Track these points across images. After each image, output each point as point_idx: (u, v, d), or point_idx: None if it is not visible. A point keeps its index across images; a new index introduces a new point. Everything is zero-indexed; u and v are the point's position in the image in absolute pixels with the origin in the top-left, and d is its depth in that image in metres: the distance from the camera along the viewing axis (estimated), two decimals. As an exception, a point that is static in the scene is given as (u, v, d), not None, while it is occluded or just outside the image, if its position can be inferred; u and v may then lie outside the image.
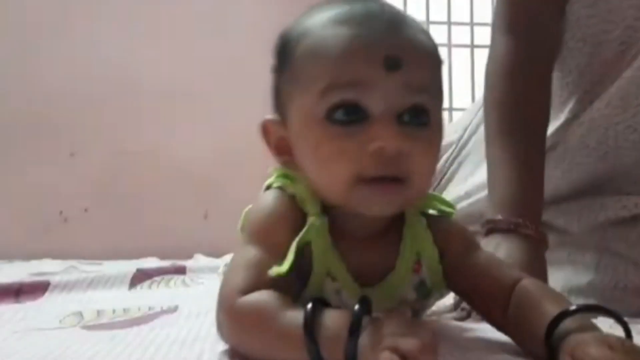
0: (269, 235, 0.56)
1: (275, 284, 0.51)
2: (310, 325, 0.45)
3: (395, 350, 0.41)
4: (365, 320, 0.45)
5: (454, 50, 1.89)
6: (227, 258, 0.83)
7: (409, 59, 0.53)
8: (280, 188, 0.60)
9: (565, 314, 0.48)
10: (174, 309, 0.75)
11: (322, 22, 0.55)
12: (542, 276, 0.71)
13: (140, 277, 0.98)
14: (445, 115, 0.62)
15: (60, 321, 0.69)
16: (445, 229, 0.62)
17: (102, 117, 1.74)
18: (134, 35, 1.77)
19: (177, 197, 1.72)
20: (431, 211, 0.63)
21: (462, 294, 0.63)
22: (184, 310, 0.74)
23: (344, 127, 0.52)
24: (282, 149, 0.60)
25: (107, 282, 0.95)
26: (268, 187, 0.62)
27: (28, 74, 1.72)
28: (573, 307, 0.49)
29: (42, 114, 1.72)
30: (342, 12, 0.55)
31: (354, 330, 0.44)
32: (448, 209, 0.64)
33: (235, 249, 0.58)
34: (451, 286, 0.61)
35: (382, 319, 0.45)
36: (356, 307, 0.45)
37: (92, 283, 0.93)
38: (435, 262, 0.60)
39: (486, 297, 0.58)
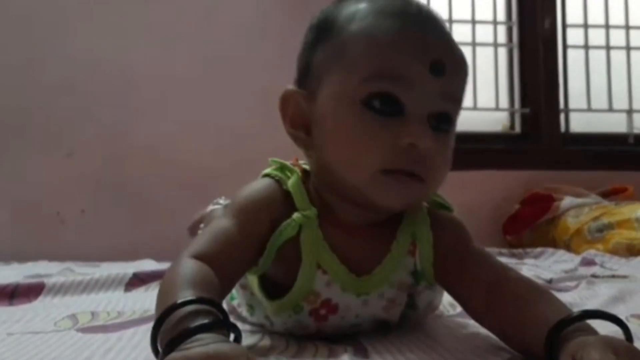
0: (246, 213, 0.58)
1: (231, 253, 0.55)
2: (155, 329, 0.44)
3: None
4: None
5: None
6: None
7: (452, 68, 0.55)
8: (275, 179, 0.61)
9: (568, 320, 0.47)
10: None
11: (374, 9, 0.56)
12: None
13: (135, 283, 0.97)
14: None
15: (55, 324, 0.69)
16: (442, 218, 0.63)
17: (100, 118, 1.74)
18: (131, 33, 1.77)
19: (176, 199, 1.72)
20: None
21: (446, 285, 0.62)
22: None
23: (379, 117, 0.54)
24: (297, 124, 0.59)
25: (103, 285, 0.94)
26: (265, 176, 0.63)
27: (25, 73, 1.72)
28: (576, 314, 0.48)
29: (39, 114, 1.71)
30: (393, 4, 0.56)
31: (154, 330, 0.44)
32: (448, 206, 0.65)
33: (213, 220, 0.61)
34: (438, 276, 0.61)
35: None
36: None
37: (88, 286, 0.93)
38: (429, 245, 0.61)
39: (471, 287, 0.58)
